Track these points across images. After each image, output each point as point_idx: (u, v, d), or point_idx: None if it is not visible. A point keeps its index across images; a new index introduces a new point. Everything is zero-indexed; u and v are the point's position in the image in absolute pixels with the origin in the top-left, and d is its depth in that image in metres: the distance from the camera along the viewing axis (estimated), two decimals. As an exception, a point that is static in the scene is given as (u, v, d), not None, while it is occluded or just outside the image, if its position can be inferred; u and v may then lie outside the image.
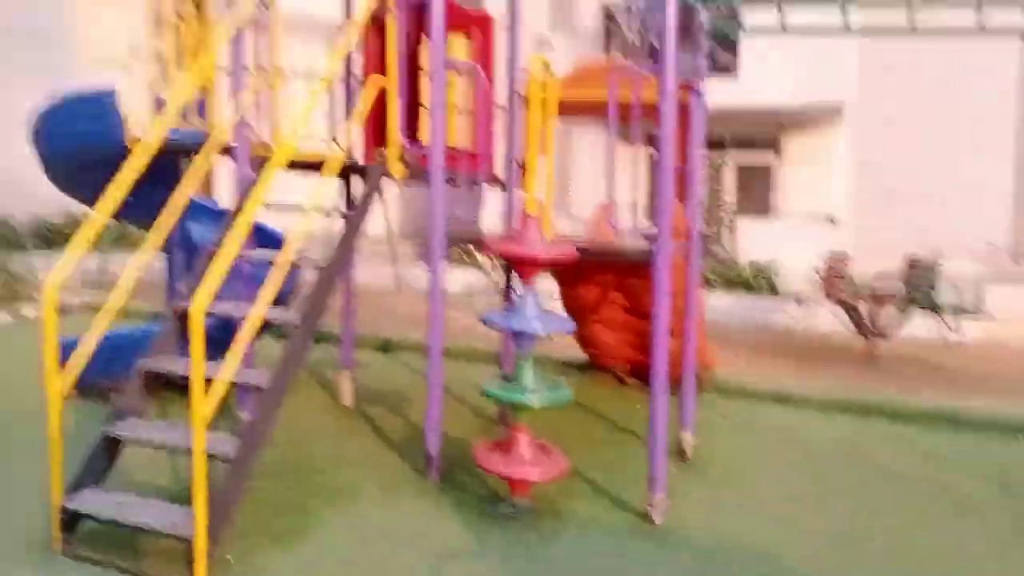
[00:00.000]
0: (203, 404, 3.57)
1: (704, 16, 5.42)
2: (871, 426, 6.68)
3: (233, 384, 4.08)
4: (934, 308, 9.71)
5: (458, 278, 13.52)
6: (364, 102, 5.07)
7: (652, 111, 4.50)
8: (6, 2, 13.18)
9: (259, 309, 4.11)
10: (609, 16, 14.98)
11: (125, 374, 4.32)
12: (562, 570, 3.82)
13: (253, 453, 3.93)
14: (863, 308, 9.91)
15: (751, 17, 5.97)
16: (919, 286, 9.58)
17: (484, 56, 5.55)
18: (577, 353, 8.00)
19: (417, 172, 5.15)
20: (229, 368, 3.81)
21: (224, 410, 5.76)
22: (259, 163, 4.94)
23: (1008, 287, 12.60)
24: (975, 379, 8.97)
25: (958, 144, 14.13)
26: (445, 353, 7.88)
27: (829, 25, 5.37)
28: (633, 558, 3.94)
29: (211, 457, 3.64)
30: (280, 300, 6.79)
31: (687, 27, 6.03)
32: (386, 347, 8.27)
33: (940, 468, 5.66)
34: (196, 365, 3.56)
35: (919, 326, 10.90)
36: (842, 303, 10.32)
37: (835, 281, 10.32)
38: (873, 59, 14.26)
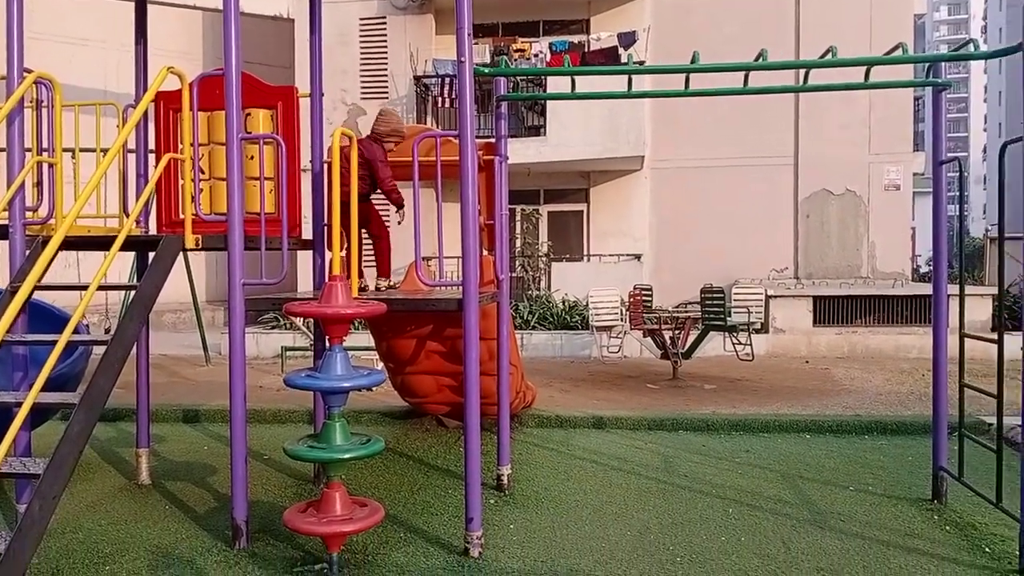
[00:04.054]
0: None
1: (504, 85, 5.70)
2: (677, 439, 7.10)
3: (9, 475, 3.69)
4: (727, 328, 10.52)
5: (275, 341, 13.09)
6: (155, 175, 5.05)
7: (457, 171, 4.67)
8: None
9: (32, 393, 3.77)
10: (423, 86, 15.56)
11: None
12: (380, 620, 3.73)
13: (29, 548, 3.57)
14: (666, 334, 10.56)
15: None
16: (713, 310, 10.34)
17: (288, 126, 5.61)
18: (399, 402, 7.96)
19: (216, 239, 5.05)
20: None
21: (4, 504, 5.27)
22: (43, 243, 4.61)
23: (791, 306, 13.89)
24: (765, 389, 9.77)
25: (745, 183, 15.63)
26: (256, 417, 7.69)
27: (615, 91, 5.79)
28: (452, 596, 3.92)
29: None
30: (69, 381, 6.30)
31: (489, 93, 6.41)
32: (190, 418, 7.81)
33: (737, 470, 6.11)
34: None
35: (716, 346, 11.77)
36: (647, 331, 10.97)
37: (639, 311, 10.97)
38: (663, 112, 15.61)
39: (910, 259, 17.18)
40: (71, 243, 4.80)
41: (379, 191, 5.69)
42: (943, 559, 4.33)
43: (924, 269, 25.06)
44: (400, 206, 5.59)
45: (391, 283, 5.93)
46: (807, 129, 15.62)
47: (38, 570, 4.20)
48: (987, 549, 4.47)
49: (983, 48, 4.90)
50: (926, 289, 13.53)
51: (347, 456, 4.25)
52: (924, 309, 13.45)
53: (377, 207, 6.02)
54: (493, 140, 5.88)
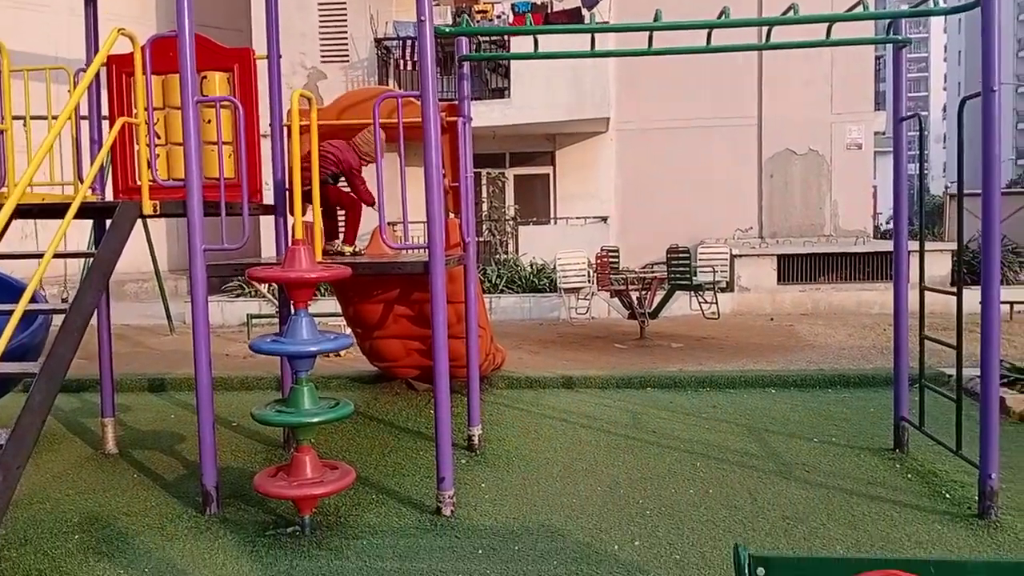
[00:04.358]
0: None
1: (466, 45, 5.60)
2: (645, 397, 7.19)
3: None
4: (693, 288, 10.62)
5: (240, 309, 12.95)
6: (109, 140, 4.92)
7: (420, 133, 4.61)
8: None
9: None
10: (384, 48, 15.28)
11: None
12: (354, 580, 3.75)
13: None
14: (633, 294, 10.63)
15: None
16: (679, 270, 10.42)
17: (245, 89, 5.49)
18: (368, 367, 7.94)
19: (175, 205, 4.96)
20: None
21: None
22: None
23: (755, 265, 14.05)
24: (731, 346, 9.91)
25: (710, 144, 15.68)
26: (223, 385, 7.62)
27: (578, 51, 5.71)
28: (424, 555, 3.95)
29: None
30: (30, 352, 6.17)
31: (452, 55, 6.30)
32: (156, 387, 7.72)
33: (704, 425, 6.20)
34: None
35: (682, 305, 11.88)
36: (615, 292, 11.04)
37: (606, 273, 11.02)
38: (628, 74, 15.54)
39: (871, 217, 17.46)
40: (25, 211, 4.68)
41: (343, 181, 5.69)
42: (905, 506, 4.45)
43: (885, 227, 25.44)
44: (372, 205, 5.61)
45: (355, 250, 5.90)
46: (770, 90, 15.68)
47: (6, 540, 4.15)
48: (947, 495, 4.60)
49: (942, 4, 4.92)
50: (887, 246, 13.74)
51: (316, 420, 4.24)
52: (885, 265, 13.68)
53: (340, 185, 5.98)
54: (456, 102, 5.80)
